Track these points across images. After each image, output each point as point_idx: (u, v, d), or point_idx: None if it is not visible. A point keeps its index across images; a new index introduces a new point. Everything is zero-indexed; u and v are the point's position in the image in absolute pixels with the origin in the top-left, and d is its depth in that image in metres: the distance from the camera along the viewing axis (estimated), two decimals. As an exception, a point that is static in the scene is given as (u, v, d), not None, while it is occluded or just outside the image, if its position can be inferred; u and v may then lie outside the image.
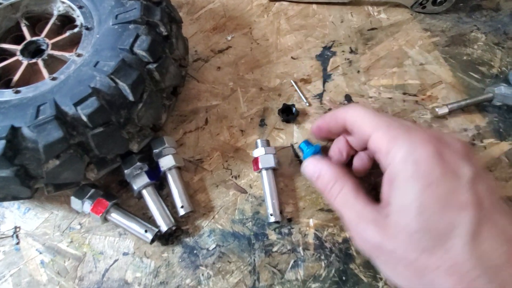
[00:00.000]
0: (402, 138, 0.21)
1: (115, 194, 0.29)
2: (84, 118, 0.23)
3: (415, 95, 0.36)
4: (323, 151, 0.29)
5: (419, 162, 0.20)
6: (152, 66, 0.26)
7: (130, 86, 0.24)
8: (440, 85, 0.36)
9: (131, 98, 0.25)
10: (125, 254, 0.28)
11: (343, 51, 0.39)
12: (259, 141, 0.30)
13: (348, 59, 0.38)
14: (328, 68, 0.38)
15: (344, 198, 0.24)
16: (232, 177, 0.31)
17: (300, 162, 0.30)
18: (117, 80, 0.24)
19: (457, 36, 0.40)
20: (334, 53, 0.39)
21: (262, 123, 0.34)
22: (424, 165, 0.19)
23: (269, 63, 0.38)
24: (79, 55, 0.27)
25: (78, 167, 0.24)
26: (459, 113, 0.34)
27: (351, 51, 0.39)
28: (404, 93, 0.36)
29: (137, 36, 0.26)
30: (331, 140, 0.29)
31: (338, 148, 0.27)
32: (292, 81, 0.36)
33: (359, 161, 0.27)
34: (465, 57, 0.38)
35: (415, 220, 0.19)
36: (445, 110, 0.33)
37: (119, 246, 0.28)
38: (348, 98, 0.35)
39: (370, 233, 0.21)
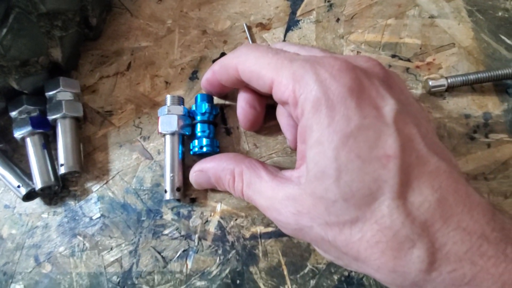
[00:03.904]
0: (309, 76, 0.15)
1: (7, 137, 0.25)
2: None
3: (408, 60, 0.26)
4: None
5: (334, 105, 0.15)
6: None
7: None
8: (451, 49, 0.26)
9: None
10: (6, 207, 0.24)
11: (325, -10, 0.29)
12: (168, 96, 0.23)
13: (329, 1, 0.28)
14: (298, 12, 0.28)
15: (250, 187, 0.18)
16: (140, 137, 0.25)
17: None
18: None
19: (500, -20, 0.28)
20: (312, -8, 0.29)
21: (194, 76, 0.27)
22: (340, 109, 0.15)
23: (224, -1, 0.29)
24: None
25: None
26: (466, 92, 0.24)
27: (337, -9, 0.29)
28: (394, 56, 0.26)
29: None
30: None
31: (246, 102, 0.21)
32: (245, 25, 0.28)
33: (285, 119, 0.21)
34: (500, 13, 0.26)
35: (333, 186, 0.15)
36: (441, 83, 0.23)
37: (2, 197, 0.25)
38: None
39: (285, 213, 0.16)
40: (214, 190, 0.23)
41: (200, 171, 0.21)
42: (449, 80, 0.23)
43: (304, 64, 0.16)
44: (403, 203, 0.14)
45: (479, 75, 0.23)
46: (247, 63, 0.18)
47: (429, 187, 0.14)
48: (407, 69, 0.25)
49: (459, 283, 0.13)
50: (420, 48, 0.26)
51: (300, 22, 0.28)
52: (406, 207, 0.14)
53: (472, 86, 0.24)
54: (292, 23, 0.28)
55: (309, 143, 0.16)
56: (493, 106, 0.24)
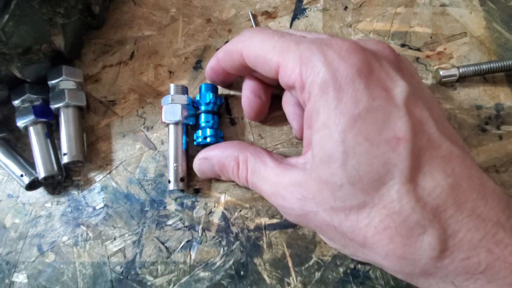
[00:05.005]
0: (317, 57, 0.15)
1: (11, 127, 0.25)
2: None
3: (418, 49, 0.25)
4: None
5: (342, 87, 0.14)
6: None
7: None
8: (463, 38, 0.25)
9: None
10: (9, 196, 0.24)
11: (332, -22, 0.28)
12: (172, 86, 0.23)
13: (336, -11, 0.27)
14: (305, 0, 0.27)
15: (255, 174, 0.18)
16: (144, 127, 0.25)
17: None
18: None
19: (515, -34, 0.27)
20: (319, -20, 0.28)
21: (198, 66, 0.26)
22: (348, 91, 0.14)
23: (229, -13, 0.29)
24: None
25: None
26: (477, 83, 0.24)
27: (345, -22, 0.28)
28: (403, 45, 0.25)
29: None
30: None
31: (251, 91, 0.21)
32: (250, 13, 0.27)
33: (292, 108, 0.21)
34: (516, 0, 0.26)
35: (339, 170, 0.14)
36: (453, 73, 0.22)
37: (5, 187, 0.25)
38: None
39: (290, 198, 0.16)
40: (218, 180, 0.23)
41: (204, 159, 0.21)
42: (460, 70, 0.22)
43: (311, 46, 0.16)
44: (414, 188, 0.13)
45: (491, 65, 0.22)
46: (251, 47, 0.18)
47: (441, 172, 0.13)
48: (417, 58, 0.25)
49: (473, 271, 0.13)
50: (431, 37, 0.25)
51: (306, 10, 0.27)
52: (417, 192, 0.13)
53: (484, 77, 0.24)
54: (298, 11, 0.27)
55: (315, 127, 0.15)
56: (505, 97, 0.23)
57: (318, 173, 0.15)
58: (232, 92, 0.25)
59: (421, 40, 0.25)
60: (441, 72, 0.23)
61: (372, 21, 0.26)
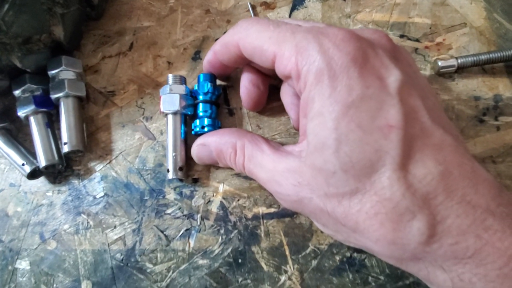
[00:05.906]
0: (312, 46, 0.15)
1: (12, 117, 0.26)
2: None
3: (417, 40, 0.25)
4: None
5: (337, 75, 0.14)
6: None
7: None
8: (462, 28, 0.25)
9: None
10: (11, 185, 0.25)
11: (332, -32, 0.28)
12: (170, 76, 0.23)
13: (336, -21, 0.27)
14: (304, -9, 0.27)
15: (251, 161, 0.18)
16: (143, 118, 0.25)
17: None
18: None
19: (517, -44, 0.26)
20: (319, -30, 0.28)
21: (196, 56, 0.26)
22: (342, 79, 0.14)
23: (228, -23, 0.29)
24: None
25: None
26: (476, 74, 0.24)
27: (344, -31, 0.28)
28: (402, 36, 0.25)
29: None
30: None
31: (249, 81, 0.21)
32: (249, 3, 0.27)
33: (290, 98, 0.21)
34: (517, -10, 0.25)
35: (333, 157, 0.14)
36: (451, 64, 0.22)
37: (7, 176, 0.25)
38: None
39: (285, 185, 0.16)
40: (216, 170, 0.23)
41: (202, 145, 0.21)
42: (459, 61, 0.22)
43: (307, 35, 0.16)
44: (405, 175, 0.14)
45: (490, 55, 0.22)
46: (248, 38, 0.18)
47: (432, 160, 0.14)
48: (416, 49, 0.25)
49: (461, 256, 0.13)
50: (430, 28, 0.25)
51: (305, 0, 0.27)
52: (408, 179, 0.14)
53: (482, 68, 0.23)
54: (297, 2, 0.27)
55: (310, 115, 0.15)
56: (504, 88, 0.23)
57: (312, 160, 0.15)
58: (230, 83, 0.25)
59: (420, 31, 0.25)
60: (439, 63, 0.23)
61: (371, 12, 0.26)
